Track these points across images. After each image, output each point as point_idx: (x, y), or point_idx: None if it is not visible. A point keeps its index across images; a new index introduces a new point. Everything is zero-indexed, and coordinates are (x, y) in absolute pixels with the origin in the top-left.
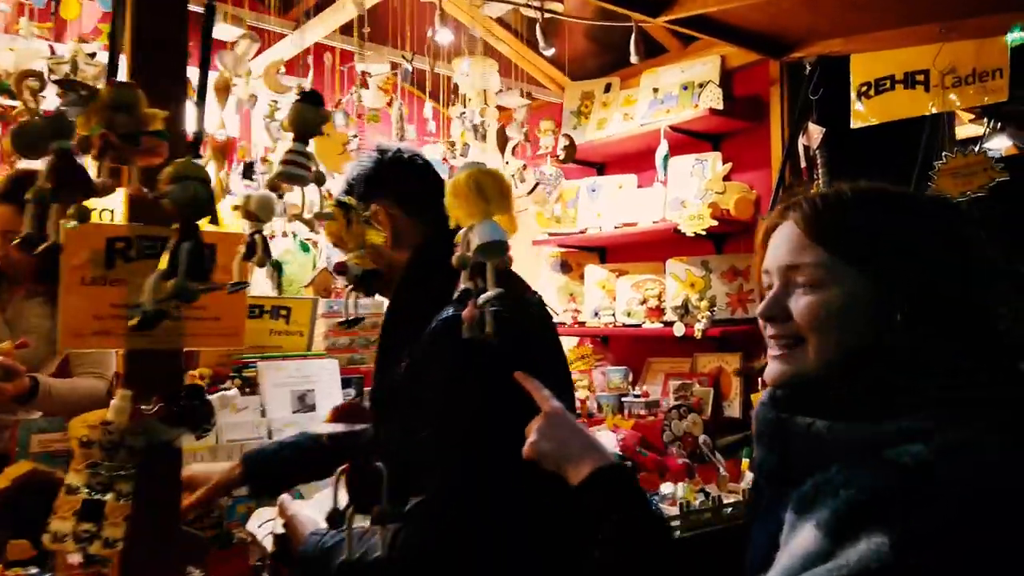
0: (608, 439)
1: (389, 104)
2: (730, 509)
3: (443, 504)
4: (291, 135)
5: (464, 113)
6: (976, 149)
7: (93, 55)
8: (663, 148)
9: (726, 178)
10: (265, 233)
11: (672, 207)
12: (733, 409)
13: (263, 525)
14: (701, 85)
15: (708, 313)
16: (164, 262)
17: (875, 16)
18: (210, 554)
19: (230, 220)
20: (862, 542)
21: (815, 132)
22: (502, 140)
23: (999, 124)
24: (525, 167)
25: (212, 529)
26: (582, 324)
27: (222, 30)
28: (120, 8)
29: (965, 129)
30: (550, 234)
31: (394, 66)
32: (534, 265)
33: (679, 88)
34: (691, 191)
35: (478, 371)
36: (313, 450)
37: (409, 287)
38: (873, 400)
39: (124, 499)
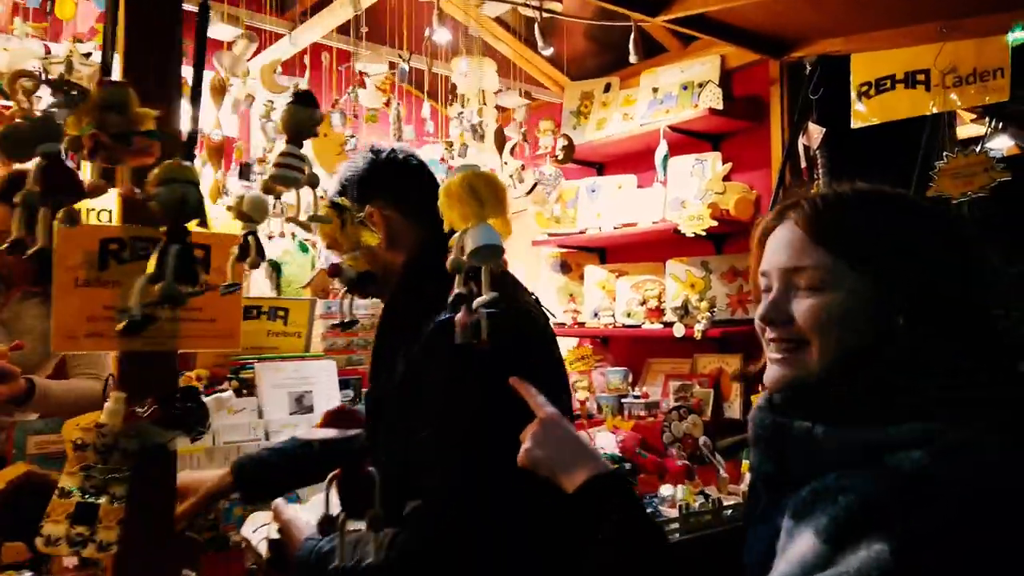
0: (608, 440)
1: (387, 104)
2: (730, 511)
3: (443, 504)
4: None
5: (462, 113)
6: (977, 149)
7: (88, 55)
8: (663, 148)
9: (726, 178)
10: (263, 234)
11: (672, 207)
12: (733, 410)
13: (258, 530)
14: (701, 85)
15: (708, 314)
16: (152, 265)
17: (875, 15)
18: (205, 558)
19: (229, 221)
20: (862, 549)
21: (815, 132)
22: (500, 140)
23: (1000, 124)
24: (523, 167)
25: (207, 532)
26: (582, 325)
27: (220, 30)
28: (113, 7)
29: (966, 129)
30: (550, 234)
31: (392, 66)
32: (534, 265)
33: (679, 88)
34: (691, 191)
35: (477, 372)
36: (304, 456)
37: (405, 290)
38: (873, 400)
39: (118, 502)
